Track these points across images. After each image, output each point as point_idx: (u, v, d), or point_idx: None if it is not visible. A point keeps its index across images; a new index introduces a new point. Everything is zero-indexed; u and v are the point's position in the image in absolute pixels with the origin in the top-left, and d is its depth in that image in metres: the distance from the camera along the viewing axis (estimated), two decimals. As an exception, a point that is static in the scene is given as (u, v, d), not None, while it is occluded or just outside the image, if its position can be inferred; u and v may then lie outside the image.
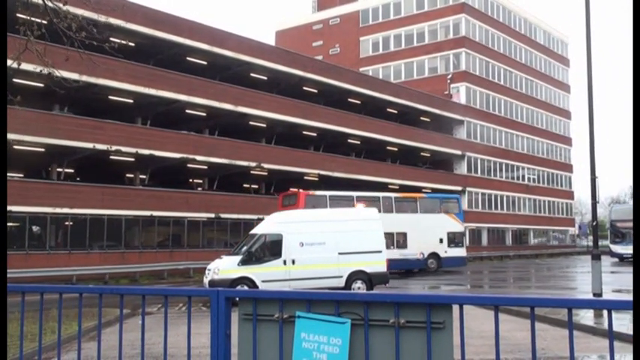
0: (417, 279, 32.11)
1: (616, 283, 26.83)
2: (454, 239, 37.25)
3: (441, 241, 36.46)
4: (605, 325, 12.26)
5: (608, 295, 19.02)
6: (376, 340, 3.37)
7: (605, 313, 3.07)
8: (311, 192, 34.93)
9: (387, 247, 34.63)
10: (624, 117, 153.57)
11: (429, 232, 35.66)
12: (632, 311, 2.89)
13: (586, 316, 14.36)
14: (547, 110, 76.51)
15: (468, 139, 61.83)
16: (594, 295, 17.44)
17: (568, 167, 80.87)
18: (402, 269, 35.42)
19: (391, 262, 34.74)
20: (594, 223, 18.51)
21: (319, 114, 45.14)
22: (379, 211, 35.21)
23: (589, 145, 18.50)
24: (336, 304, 3.47)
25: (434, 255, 36.18)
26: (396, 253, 34.66)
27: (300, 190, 34.45)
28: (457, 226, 37.69)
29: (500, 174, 66.62)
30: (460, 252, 37.33)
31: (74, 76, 25.85)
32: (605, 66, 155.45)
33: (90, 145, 31.48)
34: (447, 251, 36.31)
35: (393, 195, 37.57)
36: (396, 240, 35.17)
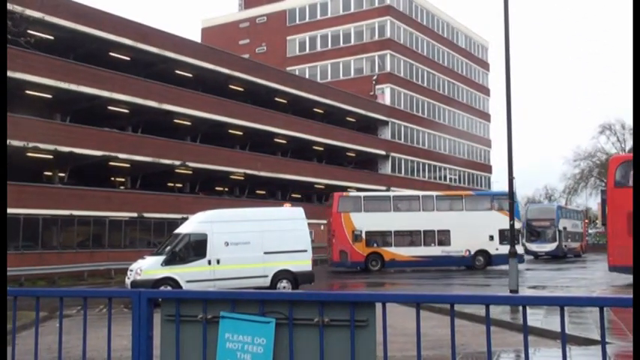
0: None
1: (532, 279, 27.90)
2: (508, 236, 36.17)
3: (492, 238, 35.63)
4: (521, 321, 12.72)
5: (523, 292, 19.73)
6: (301, 339, 3.39)
7: (520, 308, 3.23)
8: (345, 193, 34.79)
9: (428, 244, 35.48)
10: (541, 120, 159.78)
11: (476, 229, 35.18)
12: (632, 309, 2.93)
13: (503, 312, 14.85)
14: (468, 112, 78.67)
15: (392, 140, 62.87)
16: (511, 291, 18.05)
17: (487, 168, 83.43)
18: (444, 266, 35.64)
19: (432, 259, 35.26)
20: (511, 223, 19.18)
21: (245, 113, 44.89)
22: (419, 209, 35.89)
23: (507, 146, 19.16)
24: (260, 303, 3.46)
25: (482, 252, 35.68)
26: (438, 251, 35.22)
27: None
28: None
29: (423, 174, 68.03)
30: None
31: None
32: (522, 69, 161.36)
33: (5, 142, 30.20)
34: (498, 248, 35.09)
35: (434, 193, 38.16)
36: (438, 238, 35.46)
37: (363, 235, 35.22)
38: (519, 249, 35.23)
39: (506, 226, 36.37)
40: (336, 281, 31.37)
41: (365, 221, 35.18)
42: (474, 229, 35.25)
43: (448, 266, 35.94)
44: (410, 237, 36.10)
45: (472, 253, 35.70)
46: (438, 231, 35.55)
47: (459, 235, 35.14)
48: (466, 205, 36.71)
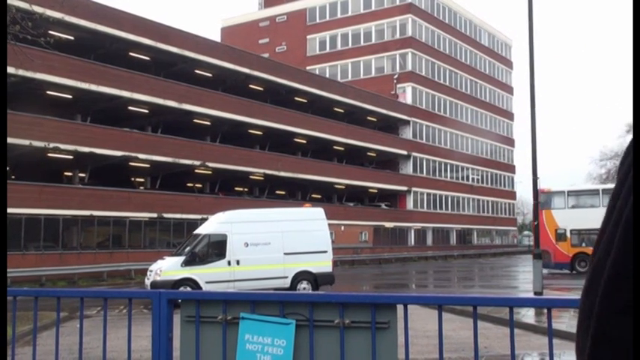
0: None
1: (556, 282, 27.55)
2: None
3: None
4: (546, 323, 12.52)
5: (548, 294, 19.48)
6: (321, 341, 3.35)
7: (545, 311, 3.16)
8: (547, 188, 33.33)
9: None
10: (566, 118, 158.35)
11: None
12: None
13: (527, 315, 14.67)
14: (491, 111, 78.11)
15: (413, 139, 62.61)
16: (535, 293, 17.84)
17: (510, 168, 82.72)
18: None
19: None
20: (535, 223, 18.95)
21: (265, 112, 44.96)
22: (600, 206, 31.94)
23: (531, 146, 18.92)
24: (280, 304, 3.42)
25: None
26: None
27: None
28: None
29: (445, 174, 67.64)
30: None
31: (9, 70, 25.05)
32: (546, 67, 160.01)
33: (26, 142, 30.43)
34: None
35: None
36: None
37: (568, 234, 32.73)
38: None
39: None
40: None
41: (570, 218, 32.61)
42: None
43: None
44: None
45: None
46: None
47: None
48: None
